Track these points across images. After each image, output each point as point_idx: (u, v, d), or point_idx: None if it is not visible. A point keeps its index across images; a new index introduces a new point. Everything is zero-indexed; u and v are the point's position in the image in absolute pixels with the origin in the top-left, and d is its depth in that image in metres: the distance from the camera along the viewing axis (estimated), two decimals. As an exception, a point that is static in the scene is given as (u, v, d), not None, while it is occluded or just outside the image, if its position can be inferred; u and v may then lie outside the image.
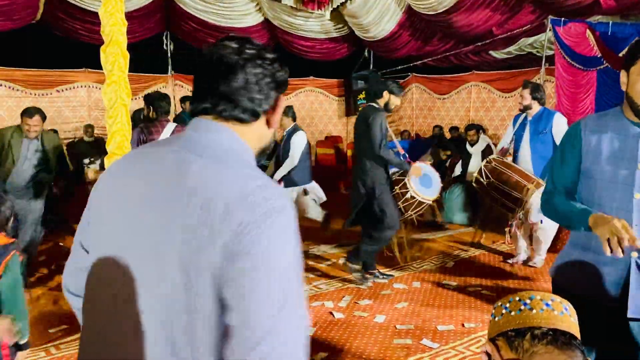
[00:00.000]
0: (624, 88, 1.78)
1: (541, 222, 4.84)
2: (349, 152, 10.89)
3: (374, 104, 4.59)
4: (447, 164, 8.48)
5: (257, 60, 1.07)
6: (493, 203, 5.07)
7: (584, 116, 1.97)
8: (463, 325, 3.82)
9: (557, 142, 4.73)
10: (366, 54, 11.02)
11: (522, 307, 1.12)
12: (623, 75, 1.77)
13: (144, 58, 8.46)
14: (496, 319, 1.17)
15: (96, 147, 7.76)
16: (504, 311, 1.15)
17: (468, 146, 7.48)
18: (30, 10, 7.32)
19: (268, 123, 1.13)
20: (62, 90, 8.97)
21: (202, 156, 1.01)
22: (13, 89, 8.31)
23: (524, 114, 4.98)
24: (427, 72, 11.59)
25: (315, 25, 9.42)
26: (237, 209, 0.92)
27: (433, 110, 11.82)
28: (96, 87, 9.15)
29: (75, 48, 8.21)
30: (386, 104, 4.58)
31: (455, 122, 10.83)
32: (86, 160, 6.98)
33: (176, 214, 0.94)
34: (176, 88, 9.97)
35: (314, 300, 4.32)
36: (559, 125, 4.72)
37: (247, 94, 1.06)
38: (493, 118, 10.59)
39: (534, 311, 1.11)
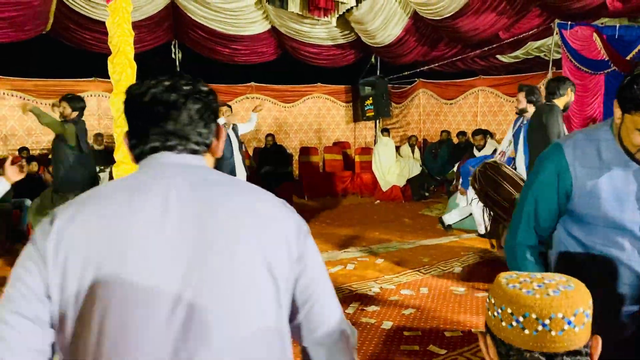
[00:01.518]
0: (617, 121, 1.51)
1: None
2: (357, 158, 10.91)
3: (549, 103, 4.19)
4: (455, 169, 8.48)
5: (195, 95, 1.10)
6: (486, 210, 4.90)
7: (583, 126, 1.68)
8: (471, 331, 3.81)
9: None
10: (373, 60, 11.04)
11: (540, 328, 0.97)
12: (617, 110, 1.49)
13: (153, 66, 8.53)
14: (503, 324, 1.01)
15: (106, 155, 7.84)
16: (514, 323, 0.99)
17: (475, 151, 7.47)
18: (40, 21, 7.42)
19: (212, 152, 1.17)
20: (72, 100, 9.07)
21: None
22: (24, 99, 8.42)
23: (521, 118, 4.93)
24: (434, 78, 11.61)
25: (321, 32, 9.45)
26: None
27: (440, 115, 11.82)
28: (106, 96, 9.24)
29: (85, 58, 8.30)
30: (567, 104, 4.19)
31: (463, 127, 10.83)
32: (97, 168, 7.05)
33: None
34: (184, 96, 10.03)
35: (322, 306, 4.32)
36: None
37: (194, 129, 1.09)
38: (500, 122, 10.57)
39: (553, 333, 0.96)
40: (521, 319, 0.98)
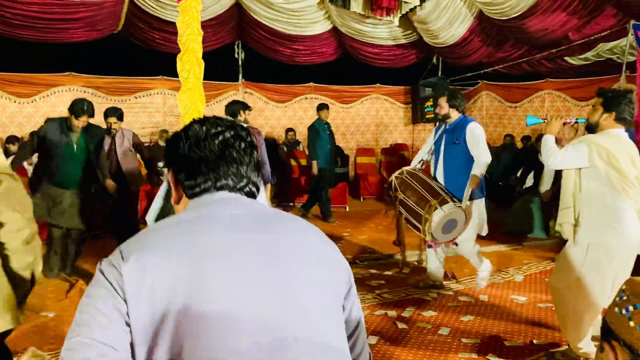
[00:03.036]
0: None
1: (456, 244, 4.53)
2: (415, 161, 10.74)
3: None
4: (518, 175, 8.23)
5: (254, 146, 1.21)
6: (400, 218, 4.62)
7: None
8: (532, 342, 3.67)
9: (471, 153, 4.36)
10: (435, 60, 10.86)
11: None
12: None
13: (216, 66, 8.73)
14: None
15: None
16: None
17: (540, 156, 7.20)
18: (112, 21, 7.75)
19: None
20: (140, 97, 9.44)
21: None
22: (95, 95, 8.82)
23: (443, 124, 4.66)
24: (497, 79, 11.26)
25: (383, 32, 9.38)
26: None
27: (504, 118, 11.46)
28: (171, 94, 9.56)
29: (152, 57, 8.61)
30: None
31: (527, 132, 10.45)
32: (160, 164, 7.29)
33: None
34: (246, 95, 10.24)
35: (377, 308, 4.29)
36: (472, 135, 4.36)
37: (256, 175, 1.20)
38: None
39: None
40: None
